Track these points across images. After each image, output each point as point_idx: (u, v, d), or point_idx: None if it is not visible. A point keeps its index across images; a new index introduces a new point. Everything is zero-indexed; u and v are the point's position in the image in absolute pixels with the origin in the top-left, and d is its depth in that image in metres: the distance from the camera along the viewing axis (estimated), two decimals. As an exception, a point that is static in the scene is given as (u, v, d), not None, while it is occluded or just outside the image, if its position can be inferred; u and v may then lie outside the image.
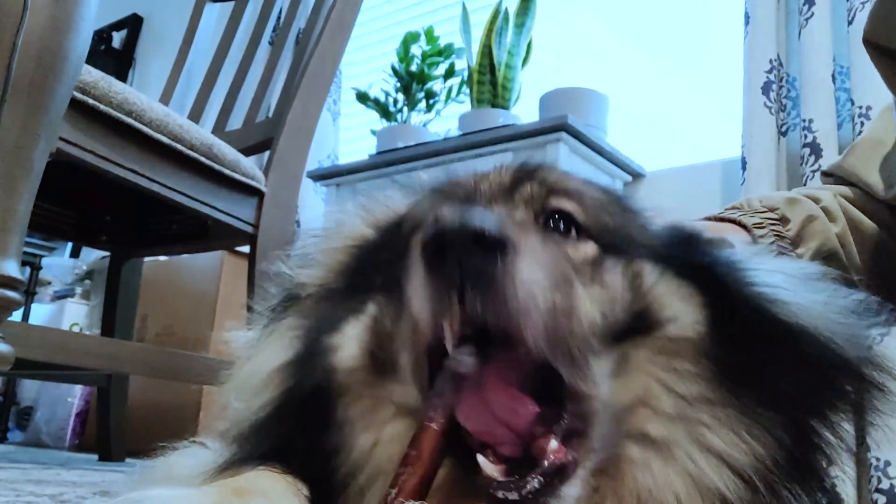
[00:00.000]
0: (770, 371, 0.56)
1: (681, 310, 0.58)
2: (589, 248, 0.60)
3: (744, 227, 0.88)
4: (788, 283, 0.60)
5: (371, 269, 0.65)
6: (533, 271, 0.50)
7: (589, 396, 0.53)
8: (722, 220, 0.92)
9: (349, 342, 0.60)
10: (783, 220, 0.91)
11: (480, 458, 0.50)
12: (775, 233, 0.89)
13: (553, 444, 0.51)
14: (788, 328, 0.57)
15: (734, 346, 0.56)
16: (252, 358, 0.68)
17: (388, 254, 0.64)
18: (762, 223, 0.89)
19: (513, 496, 0.48)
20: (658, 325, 0.57)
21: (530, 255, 0.51)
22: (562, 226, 0.61)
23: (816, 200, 0.98)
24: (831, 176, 1.15)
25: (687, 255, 0.62)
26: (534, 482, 0.49)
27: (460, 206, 0.53)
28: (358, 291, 0.64)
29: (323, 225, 0.78)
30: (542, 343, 0.50)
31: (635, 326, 0.57)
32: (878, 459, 1.91)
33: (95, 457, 2.50)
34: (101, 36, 4.82)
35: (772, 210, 0.92)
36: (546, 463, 0.50)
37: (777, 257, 0.71)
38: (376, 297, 0.61)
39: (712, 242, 0.66)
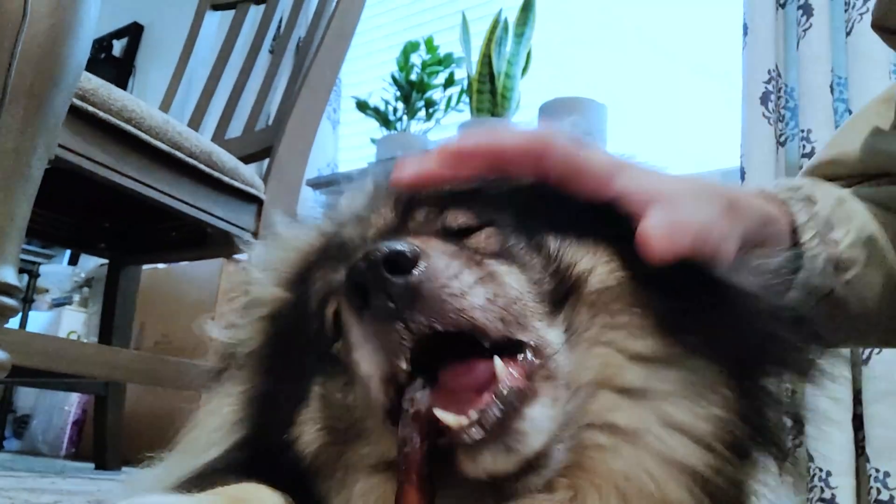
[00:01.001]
0: (698, 315, 0.55)
1: (591, 260, 0.57)
2: (490, 236, 0.59)
3: (776, 199, 0.77)
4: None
5: (293, 335, 0.65)
6: (450, 265, 0.51)
7: (542, 346, 0.53)
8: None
9: (305, 430, 0.60)
10: (810, 199, 0.79)
11: (439, 411, 0.49)
12: (807, 211, 0.77)
13: (499, 366, 0.50)
14: (700, 268, 0.56)
15: (659, 291, 0.55)
16: (194, 429, 0.69)
17: (304, 321, 0.64)
18: (792, 196, 0.78)
19: (478, 434, 0.47)
20: (579, 283, 0.56)
21: (440, 254, 0.52)
22: (459, 231, 0.60)
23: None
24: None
25: (581, 211, 0.60)
26: (493, 409, 0.48)
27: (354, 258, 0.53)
28: (289, 366, 0.64)
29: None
30: (491, 320, 0.50)
31: (561, 290, 0.56)
32: (877, 470, 1.91)
33: (91, 465, 2.49)
34: (102, 44, 4.83)
35: (795, 189, 0.80)
36: (500, 387, 0.49)
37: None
38: (316, 378, 0.61)
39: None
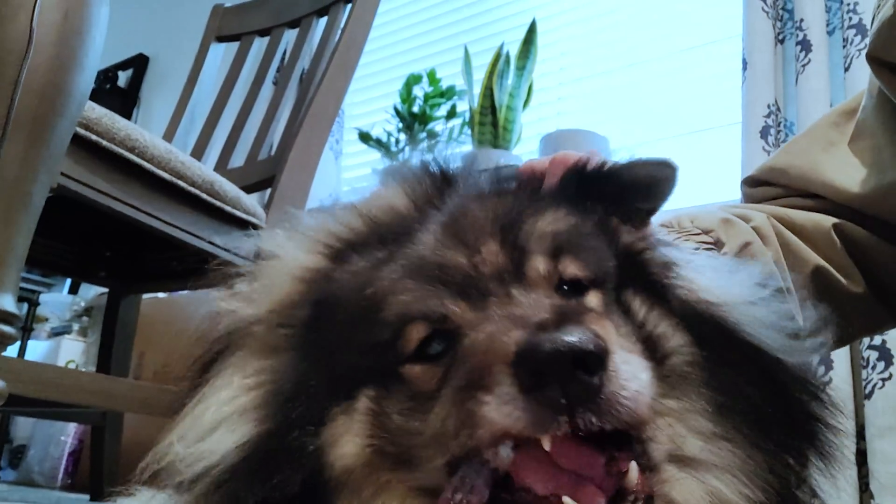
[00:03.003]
0: (750, 393, 0.56)
1: (679, 339, 0.58)
2: (598, 296, 0.60)
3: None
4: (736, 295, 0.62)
5: (339, 323, 0.61)
6: (630, 362, 0.51)
7: (650, 438, 0.53)
8: None
9: (345, 441, 0.57)
10: (718, 244, 0.85)
11: (567, 499, 0.49)
12: None
13: (634, 473, 0.50)
14: (749, 346, 0.58)
15: (720, 372, 0.57)
16: (198, 404, 0.63)
17: (357, 327, 0.59)
18: (699, 248, 0.83)
19: None
20: (664, 358, 0.57)
21: (621, 350, 0.51)
22: (571, 284, 0.60)
23: (747, 220, 0.92)
24: (759, 184, 1.08)
25: (657, 278, 0.62)
26: None
27: (534, 328, 0.50)
28: (330, 355, 0.60)
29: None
30: (649, 416, 0.51)
31: (651, 359, 0.56)
32: (882, 507, 1.89)
33: (87, 497, 2.46)
34: (107, 75, 4.88)
35: (706, 232, 0.86)
36: (634, 495, 0.50)
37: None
38: (366, 388, 0.58)
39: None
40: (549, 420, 0.48)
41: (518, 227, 0.60)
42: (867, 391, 2.01)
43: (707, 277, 0.64)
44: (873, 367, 2.03)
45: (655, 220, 0.89)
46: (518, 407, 0.48)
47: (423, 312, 0.57)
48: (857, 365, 2.11)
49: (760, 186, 1.07)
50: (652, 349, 0.57)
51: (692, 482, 0.53)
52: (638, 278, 0.61)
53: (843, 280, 0.95)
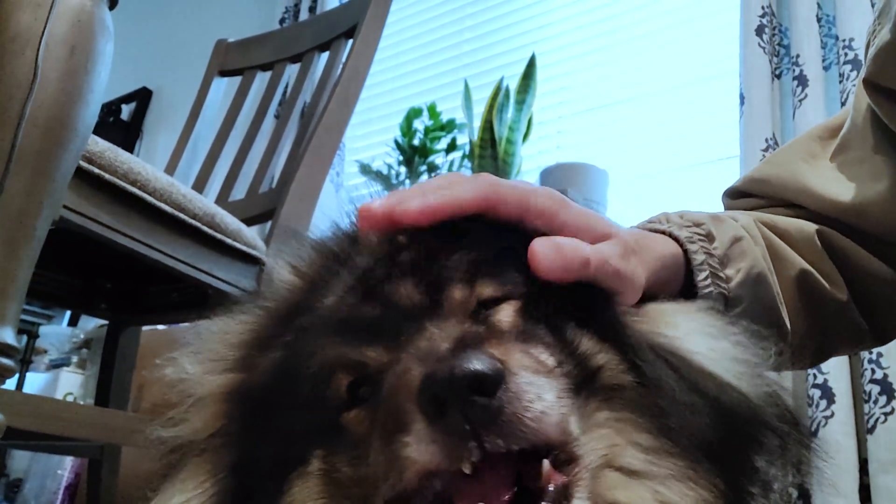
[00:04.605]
0: (695, 418, 0.56)
1: (608, 358, 0.58)
2: (514, 311, 0.60)
3: (676, 239, 0.81)
4: (691, 332, 0.62)
5: (269, 408, 0.61)
6: (533, 382, 0.51)
7: (569, 442, 0.53)
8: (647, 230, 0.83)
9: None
10: (709, 237, 0.84)
11: None
12: (704, 250, 0.82)
13: (546, 466, 0.50)
14: (698, 375, 0.58)
15: (660, 394, 0.57)
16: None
17: (290, 396, 0.60)
18: (692, 237, 0.82)
19: None
20: (593, 375, 0.57)
21: (523, 370, 0.51)
22: (486, 303, 0.60)
23: (734, 220, 0.92)
24: (740, 196, 1.07)
25: (599, 308, 0.62)
26: None
27: (429, 351, 0.51)
28: (270, 437, 0.61)
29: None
30: (560, 433, 0.51)
31: (578, 377, 0.57)
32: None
33: (83, 531, 2.44)
34: (111, 108, 4.92)
35: (697, 225, 0.85)
36: (551, 487, 0.50)
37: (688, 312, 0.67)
38: (314, 449, 0.58)
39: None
40: (460, 449, 0.48)
41: (431, 261, 0.61)
42: (869, 425, 2.00)
43: (669, 316, 0.64)
44: (875, 402, 2.02)
45: (642, 219, 0.90)
46: (431, 441, 0.49)
47: (342, 362, 0.58)
48: (858, 399, 2.10)
49: (741, 198, 1.07)
50: (582, 365, 0.57)
51: (638, 486, 0.54)
52: (572, 299, 0.61)
53: (827, 285, 0.94)
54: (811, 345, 0.97)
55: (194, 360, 0.70)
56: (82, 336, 3.94)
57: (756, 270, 0.87)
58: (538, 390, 0.51)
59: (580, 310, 0.61)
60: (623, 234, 0.70)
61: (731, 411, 0.57)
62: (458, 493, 0.50)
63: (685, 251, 0.81)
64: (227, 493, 0.61)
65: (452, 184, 0.63)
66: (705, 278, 0.81)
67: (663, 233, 0.82)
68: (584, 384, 0.56)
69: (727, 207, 1.09)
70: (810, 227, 0.96)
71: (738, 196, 1.08)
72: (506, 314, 0.59)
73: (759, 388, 0.60)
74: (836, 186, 0.96)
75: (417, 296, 0.59)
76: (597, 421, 0.56)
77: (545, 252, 0.59)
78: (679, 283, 0.81)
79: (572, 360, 0.57)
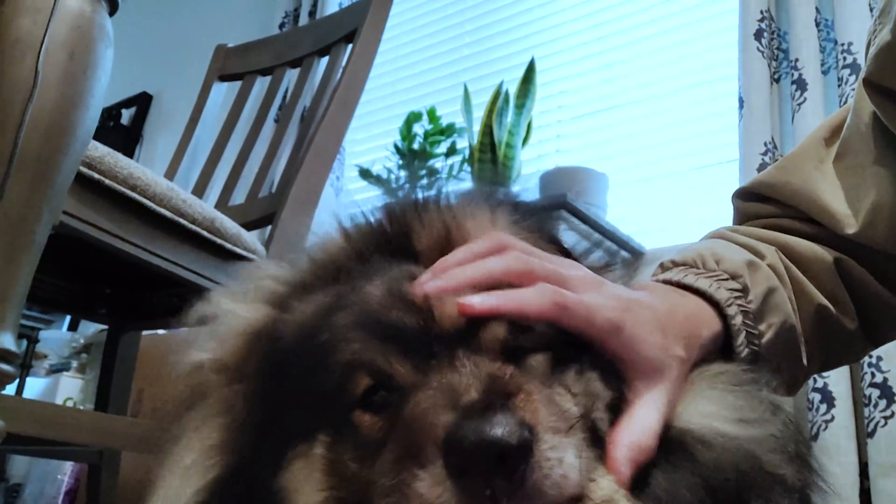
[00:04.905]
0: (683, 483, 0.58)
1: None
2: (546, 361, 0.60)
3: (715, 304, 0.81)
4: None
5: (291, 367, 0.62)
6: (559, 446, 0.52)
7: (585, 496, 0.54)
8: (686, 287, 0.82)
9: (307, 490, 0.58)
10: (745, 291, 0.83)
11: None
12: (741, 308, 0.81)
13: None
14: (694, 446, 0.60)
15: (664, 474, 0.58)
16: (166, 474, 0.65)
17: (309, 374, 0.60)
18: (730, 299, 0.81)
19: None
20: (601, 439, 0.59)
21: (551, 434, 0.52)
22: (517, 349, 0.60)
23: (760, 257, 0.90)
24: (751, 198, 1.07)
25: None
26: None
27: (458, 392, 0.52)
28: (284, 400, 0.61)
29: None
30: (564, 496, 0.51)
31: (602, 423, 0.59)
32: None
33: (82, 537, 2.43)
34: (111, 113, 4.92)
35: (734, 277, 0.84)
36: None
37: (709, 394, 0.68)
38: (320, 434, 0.59)
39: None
40: (473, 502, 0.49)
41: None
42: (869, 429, 2.00)
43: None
44: (875, 405, 2.02)
45: (675, 257, 0.89)
46: (447, 489, 0.49)
47: (370, 366, 0.58)
48: (859, 403, 2.10)
49: (753, 201, 1.06)
50: (593, 429, 0.58)
51: None
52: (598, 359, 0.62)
53: (840, 318, 0.94)
54: (814, 367, 0.97)
55: (231, 296, 0.70)
56: (82, 341, 3.94)
57: (788, 324, 0.87)
58: (561, 454, 0.51)
59: (608, 373, 0.62)
60: (679, 351, 0.68)
61: (728, 470, 0.58)
62: None
63: (724, 316, 0.80)
64: (232, 445, 0.61)
65: (514, 289, 0.61)
66: (741, 342, 0.80)
67: (703, 294, 0.81)
68: (594, 446, 0.57)
69: (739, 209, 1.08)
70: (829, 255, 0.96)
71: (750, 198, 1.06)
72: (538, 360, 0.60)
73: (760, 433, 0.61)
74: (847, 203, 0.96)
75: (459, 321, 0.58)
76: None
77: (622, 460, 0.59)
78: (717, 344, 0.80)
79: (596, 408, 0.58)
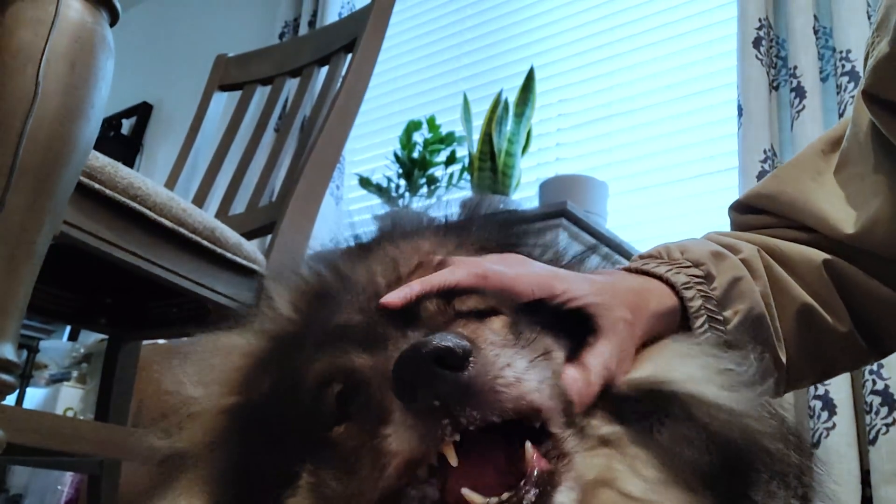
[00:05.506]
0: (692, 450, 0.57)
1: (599, 411, 0.60)
2: (503, 323, 0.61)
3: (671, 286, 0.81)
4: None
5: (265, 424, 0.63)
6: (502, 353, 0.51)
7: (561, 435, 0.54)
8: (644, 273, 0.83)
9: None
10: (708, 278, 0.84)
11: (466, 490, 0.49)
12: (702, 293, 0.82)
13: (530, 450, 0.50)
14: (682, 402, 0.59)
15: (658, 434, 0.58)
16: None
17: (284, 406, 0.61)
18: (689, 282, 0.82)
19: None
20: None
21: (491, 344, 0.52)
22: (470, 314, 0.61)
23: (735, 252, 0.91)
24: (747, 211, 1.07)
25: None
26: (530, 494, 0.48)
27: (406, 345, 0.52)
28: (264, 453, 0.62)
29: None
30: (546, 401, 0.52)
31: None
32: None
33: (83, 547, 2.42)
34: (111, 123, 4.93)
35: (697, 265, 0.85)
36: (534, 472, 0.49)
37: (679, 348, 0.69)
38: (304, 464, 0.59)
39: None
40: (435, 429, 0.48)
41: (414, 273, 0.63)
42: (871, 437, 1.99)
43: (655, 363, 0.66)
44: (876, 413, 2.02)
45: (643, 251, 0.90)
46: (408, 427, 0.49)
47: (333, 370, 0.59)
48: (860, 410, 2.10)
49: (749, 214, 1.06)
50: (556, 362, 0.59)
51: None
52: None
53: (829, 318, 0.94)
54: (811, 373, 0.97)
55: (193, 380, 0.70)
56: (82, 351, 3.94)
57: (755, 312, 0.87)
58: (508, 359, 0.51)
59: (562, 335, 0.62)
60: (629, 298, 0.71)
61: (722, 436, 0.57)
62: (443, 482, 0.50)
63: (681, 298, 0.81)
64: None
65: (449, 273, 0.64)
66: (701, 325, 0.81)
67: (659, 278, 0.82)
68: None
69: (734, 222, 1.08)
70: (818, 256, 0.96)
71: (745, 211, 1.07)
72: (489, 322, 0.60)
73: (746, 400, 0.60)
74: (844, 209, 0.96)
75: (402, 309, 0.60)
76: (598, 435, 0.56)
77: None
78: (676, 329, 0.80)
79: (547, 356, 0.58)
